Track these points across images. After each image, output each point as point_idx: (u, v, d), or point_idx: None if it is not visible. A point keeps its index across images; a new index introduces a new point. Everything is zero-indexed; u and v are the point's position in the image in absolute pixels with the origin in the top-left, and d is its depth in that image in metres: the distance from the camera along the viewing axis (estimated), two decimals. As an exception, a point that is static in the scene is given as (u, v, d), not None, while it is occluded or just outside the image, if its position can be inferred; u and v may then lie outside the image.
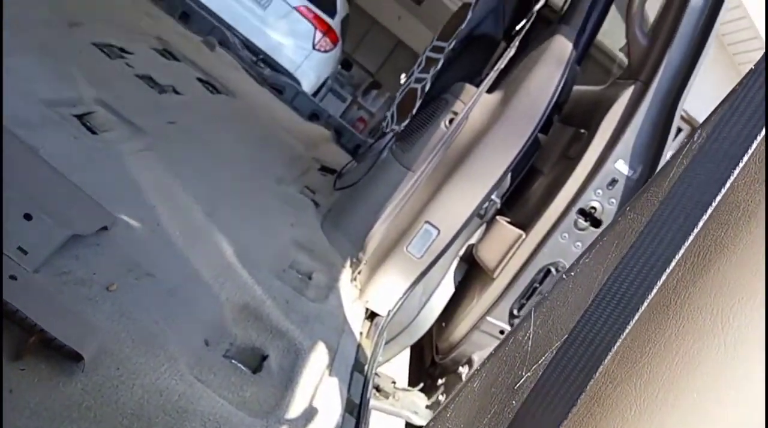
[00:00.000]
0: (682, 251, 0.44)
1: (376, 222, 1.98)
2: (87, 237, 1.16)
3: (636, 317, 0.44)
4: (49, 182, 1.19)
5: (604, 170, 1.67)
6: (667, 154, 1.80)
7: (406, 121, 2.02)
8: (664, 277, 0.44)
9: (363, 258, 1.96)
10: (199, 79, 2.94)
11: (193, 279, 1.32)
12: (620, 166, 1.66)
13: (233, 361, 1.20)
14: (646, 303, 0.44)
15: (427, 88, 2.00)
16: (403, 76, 2.55)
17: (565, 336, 0.47)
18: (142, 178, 1.60)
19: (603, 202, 1.70)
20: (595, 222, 1.74)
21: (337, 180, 2.68)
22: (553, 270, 1.77)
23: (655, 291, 0.44)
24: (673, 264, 0.44)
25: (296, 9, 6.32)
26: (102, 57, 2.28)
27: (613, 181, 1.67)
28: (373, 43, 12.43)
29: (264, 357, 1.27)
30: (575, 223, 1.73)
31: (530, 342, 0.53)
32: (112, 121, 1.82)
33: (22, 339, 0.87)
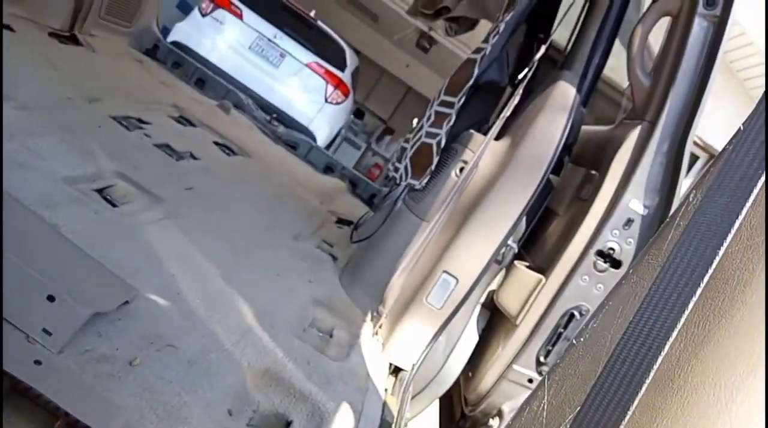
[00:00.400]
0: (681, 323, 0.44)
1: (393, 274, 1.98)
2: (109, 313, 1.19)
3: (641, 392, 0.43)
4: (71, 261, 1.23)
5: (618, 211, 1.67)
6: (682, 187, 1.79)
7: (426, 179, 2.04)
8: (666, 350, 0.44)
9: (383, 311, 1.96)
10: (216, 143, 3.02)
11: (213, 347, 1.33)
12: (634, 206, 1.65)
13: (256, 430, 1.20)
14: (650, 378, 0.43)
15: (443, 143, 2.04)
16: (415, 120, 2.60)
17: (577, 409, 0.46)
18: (161, 247, 1.64)
19: (621, 242, 1.69)
20: (615, 264, 1.72)
21: (354, 231, 2.70)
22: (576, 314, 1.75)
23: (657, 364, 0.44)
24: (673, 336, 0.44)
25: (307, 65, 6.53)
26: (120, 129, 2.37)
27: (629, 221, 1.66)
28: (383, 91, 12.71)
29: (288, 424, 1.26)
30: (595, 265, 1.72)
31: (545, 414, 0.52)
32: (131, 192, 1.87)
33: (48, 424, 0.88)
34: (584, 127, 2.20)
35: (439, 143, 2.07)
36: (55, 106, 2.12)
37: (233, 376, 1.29)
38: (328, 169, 3.91)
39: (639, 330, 0.45)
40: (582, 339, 0.54)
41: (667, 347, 0.43)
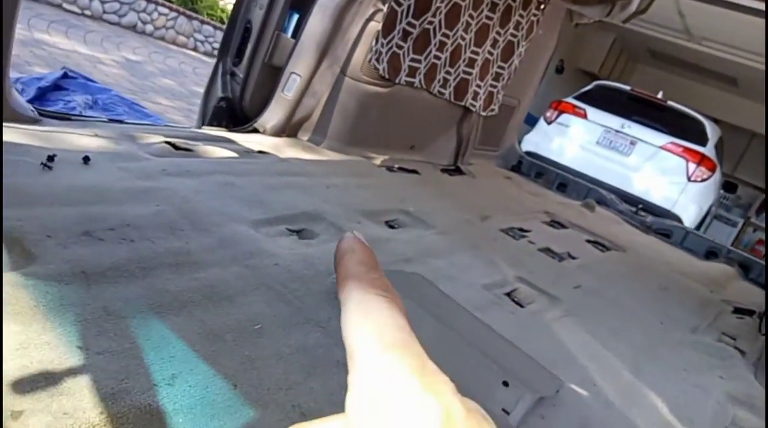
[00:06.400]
0: None
1: (830, 370, 1.72)
2: (546, 399, 1.40)
3: None
4: (511, 355, 1.50)
5: None
6: None
7: None
8: None
9: (824, 414, 1.69)
10: (588, 240, 3.18)
11: (639, 438, 1.40)
12: None
13: None
14: None
15: None
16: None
17: None
18: (569, 342, 1.82)
19: None
20: None
21: (762, 322, 2.41)
22: None
23: None
24: None
25: (662, 148, 6.30)
26: (509, 240, 2.75)
27: None
28: (756, 156, 11.02)
29: None
30: None
31: None
32: (532, 294, 2.15)
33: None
34: None
35: None
36: (461, 228, 2.63)
37: (665, 468, 1.33)
38: (711, 254, 3.60)
39: None
40: None
41: None
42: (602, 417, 1.43)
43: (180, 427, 0.99)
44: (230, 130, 2.90)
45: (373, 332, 0.20)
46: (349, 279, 0.23)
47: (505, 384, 1.32)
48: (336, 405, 1.22)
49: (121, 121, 2.73)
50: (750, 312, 2.69)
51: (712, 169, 6.33)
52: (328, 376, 1.25)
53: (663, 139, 6.29)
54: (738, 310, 2.74)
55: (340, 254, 0.25)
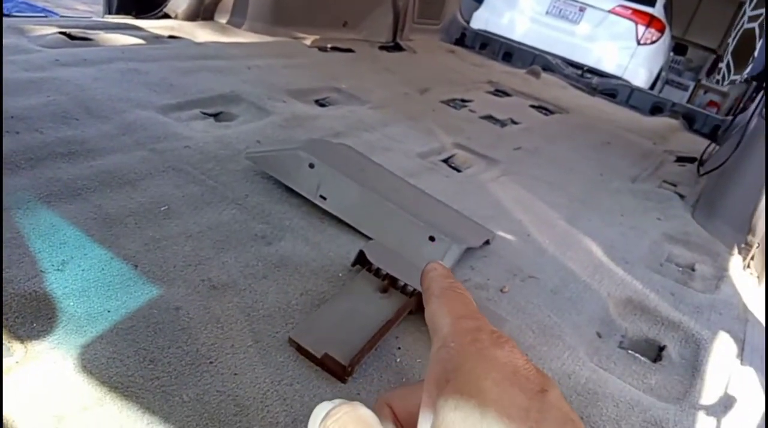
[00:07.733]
0: None
1: (760, 199, 1.73)
2: (476, 251, 1.37)
3: None
4: (439, 212, 1.45)
5: None
6: None
7: (749, 68, 1.74)
8: None
9: (753, 241, 1.72)
10: (532, 106, 3.10)
11: (571, 279, 1.40)
12: None
13: (630, 351, 1.21)
14: None
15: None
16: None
17: None
18: (505, 199, 1.78)
19: None
20: None
21: (700, 166, 2.43)
22: None
23: None
24: None
25: (610, 12, 6.09)
26: (450, 110, 2.65)
27: None
28: (707, 16, 10.90)
29: (661, 348, 1.24)
30: None
31: None
32: (470, 158, 2.09)
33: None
34: None
35: (762, 25, 1.72)
36: (398, 101, 2.50)
37: (596, 304, 1.33)
38: (656, 110, 3.58)
39: None
40: None
41: None
42: (534, 264, 1.42)
43: (72, 310, 0.91)
44: (138, 18, 2.62)
45: (449, 312, 0.27)
46: (432, 284, 0.30)
47: (431, 239, 1.27)
48: (250, 276, 1.15)
49: (8, 15, 2.43)
50: (692, 160, 2.70)
51: (662, 30, 6.20)
52: (243, 249, 1.18)
53: (611, 2, 6.08)
54: (681, 159, 2.76)
55: (425, 271, 0.32)
